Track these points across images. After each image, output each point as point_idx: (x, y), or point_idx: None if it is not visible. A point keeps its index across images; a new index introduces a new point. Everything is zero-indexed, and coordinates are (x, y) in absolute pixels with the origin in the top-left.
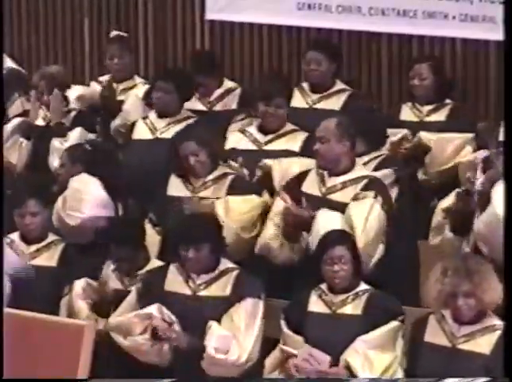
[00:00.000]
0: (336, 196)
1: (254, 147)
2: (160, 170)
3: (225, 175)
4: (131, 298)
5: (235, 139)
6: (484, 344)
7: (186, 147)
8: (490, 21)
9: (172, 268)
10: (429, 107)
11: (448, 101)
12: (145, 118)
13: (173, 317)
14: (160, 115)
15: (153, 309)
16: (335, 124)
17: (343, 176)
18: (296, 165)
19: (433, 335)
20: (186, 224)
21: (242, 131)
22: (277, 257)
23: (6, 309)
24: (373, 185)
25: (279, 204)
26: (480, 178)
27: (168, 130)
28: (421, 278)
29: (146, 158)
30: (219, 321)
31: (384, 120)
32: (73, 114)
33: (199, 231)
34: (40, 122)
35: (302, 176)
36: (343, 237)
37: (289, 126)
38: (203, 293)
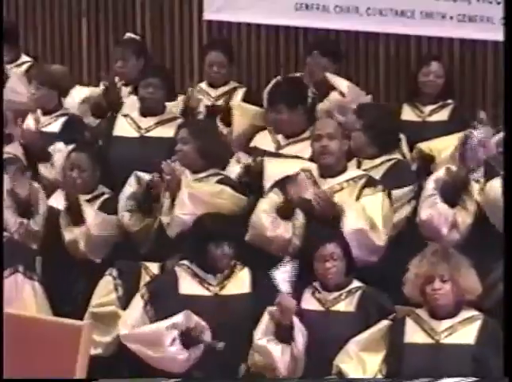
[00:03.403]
0: (335, 198)
1: (272, 149)
2: (147, 168)
3: (215, 175)
4: (137, 305)
5: (260, 138)
6: (467, 334)
7: (181, 132)
8: (488, 21)
9: (180, 272)
10: (432, 107)
11: (449, 101)
12: (125, 115)
13: (202, 322)
14: (144, 114)
15: (180, 317)
16: (337, 122)
17: (340, 176)
18: (272, 168)
19: (413, 335)
20: (216, 221)
21: (271, 132)
22: (268, 231)
23: (6, 310)
24: (374, 182)
25: (271, 196)
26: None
27: (154, 129)
28: None
29: (132, 156)
30: (242, 318)
31: (397, 121)
32: (63, 119)
33: (232, 228)
34: (30, 122)
35: (290, 180)
36: (334, 234)
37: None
38: (224, 292)
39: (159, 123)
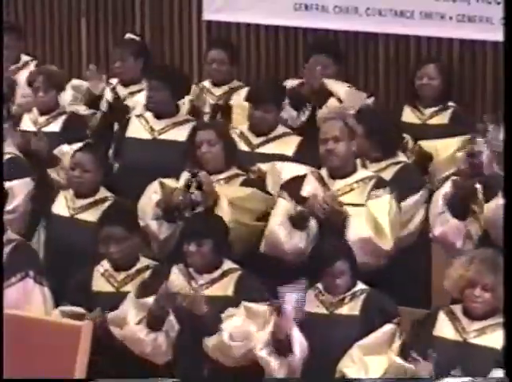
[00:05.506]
0: (345, 199)
1: (247, 149)
2: (159, 171)
3: (237, 176)
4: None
5: None
6: (496, 339)
7: (203, 135)
8: (488, 21)
9: (175, 270)
10: (432, 110)
11: (451, 103)
12: (139, 116)
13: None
14: (157, 116)
15: (150, 300)
16: (343, 123)
17: (349, 177)
18: (286, 171)
19: (443, 330)
20: (190, 220)
21: (239, 131)
22: (285, 244)
23: (6, 310)
24: (383, 183)
25: (282, 203)
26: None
27: (167, 132)
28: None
29: (144, 158)
30: (220, 320)
31: (398, 122)
32: (63, 118)
33: (202, 226)
34: (28, 124)
35: (298, 181)
36: (343, 251)
37: (281, 129)
38: (205, 293)
39: (172, 125)
